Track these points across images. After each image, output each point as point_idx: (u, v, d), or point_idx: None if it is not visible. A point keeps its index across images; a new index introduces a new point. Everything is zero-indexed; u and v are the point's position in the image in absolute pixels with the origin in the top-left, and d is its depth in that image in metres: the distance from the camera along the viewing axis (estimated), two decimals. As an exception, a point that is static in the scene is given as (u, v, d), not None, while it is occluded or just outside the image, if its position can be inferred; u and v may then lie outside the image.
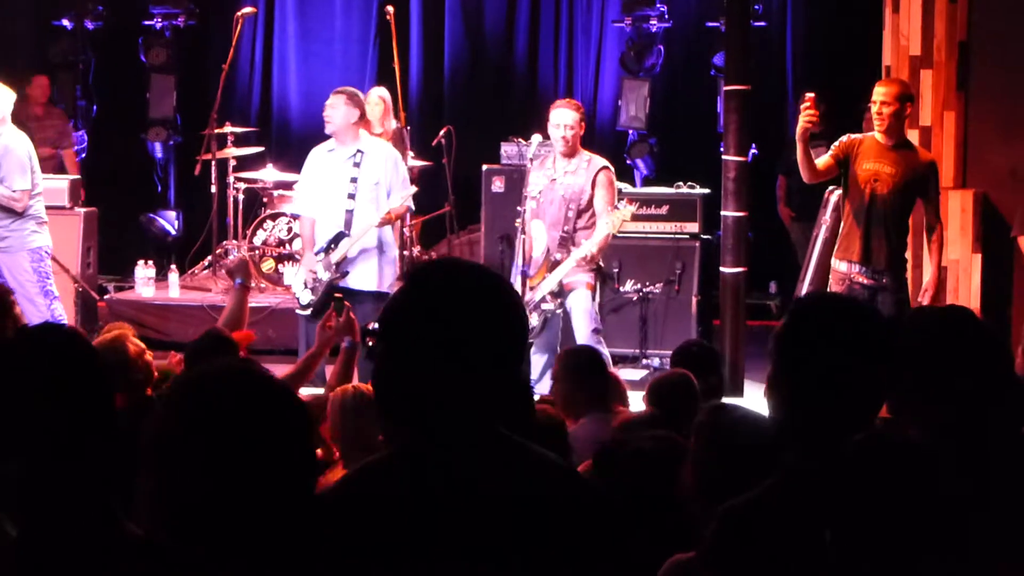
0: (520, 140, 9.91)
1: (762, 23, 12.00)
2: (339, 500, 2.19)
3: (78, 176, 11.55)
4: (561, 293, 7.80)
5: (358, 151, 8.04)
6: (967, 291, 8.37)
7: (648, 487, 3.49)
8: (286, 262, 10.42)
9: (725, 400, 6.22)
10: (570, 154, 7.87)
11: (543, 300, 7.75)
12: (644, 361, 9.46)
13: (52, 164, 11.55)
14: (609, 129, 12.41)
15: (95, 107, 12.94)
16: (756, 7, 11.63)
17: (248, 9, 11.28)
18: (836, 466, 2.38)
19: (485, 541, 2.11)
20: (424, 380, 2.16)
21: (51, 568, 2.22)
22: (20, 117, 11.12)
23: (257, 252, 10.55)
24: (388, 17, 10.99)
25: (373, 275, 8.03)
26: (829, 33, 12.02)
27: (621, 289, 9.53)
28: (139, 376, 4.76)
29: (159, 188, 13.02)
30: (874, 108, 7.09)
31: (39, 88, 11.67)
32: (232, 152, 10.89)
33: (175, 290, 10.62)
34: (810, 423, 2.55)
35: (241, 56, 12.76)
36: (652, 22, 12.12)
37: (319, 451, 5.20)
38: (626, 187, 9.79)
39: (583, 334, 7.71)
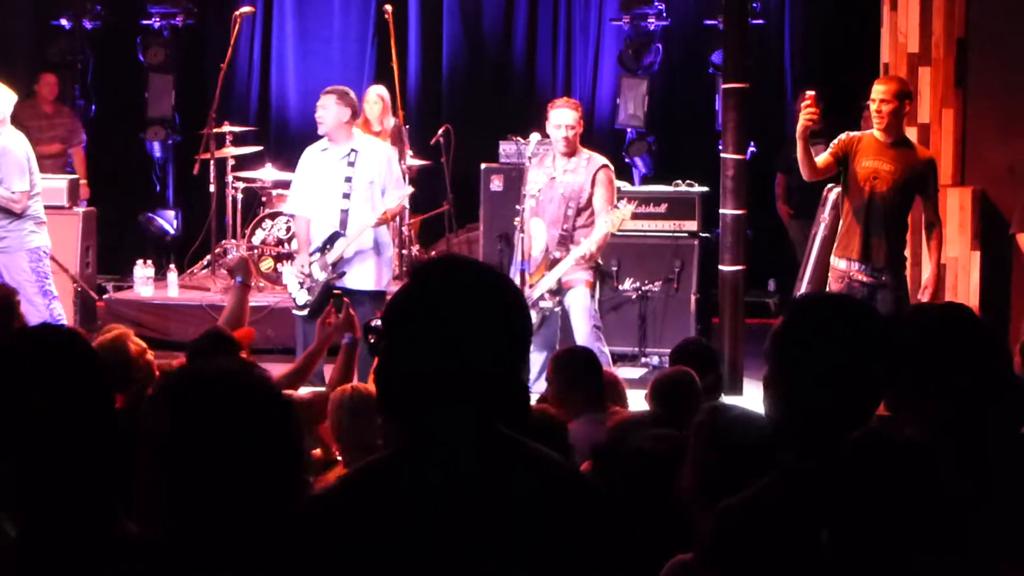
0: (519, 139, 9.92)
1: (760, 21, 12.01)
2: (339, 499, 2.19)
3: (82, 177, 11.59)
4: (560, 291, 7.81)
5: (352, 150, 8.03)
6: (966, 288, 8.37)
7: (648, 487, 3.49)
8: (285, 261, 10.41)
9: (724, 399, 6.24)
10: (570, 153, 7.87)
11: (541, 298, 7.76)
12: (643, 360, 9.46)
13: (61, 161, 11.58)
14: (607, 127, 12.41)
15: (93, 107, 12.94)
16: (754, 5, 11.63)
17: (246, 8, 11.28)
18: (833, 465, 2.38)
19: (485, 540, 2.11)
20: (426, 378, 2.16)
21: (51, 568, 2.22)
22: (29, 114, 11.24)
23: (256, 251, 10.55)
24: (387, 16, 10.99)
25: (371, 275, 8.03)
26: (827, 31, 12.02)
27: (620, 287, 9.53)
28: (140, 375, 4.76)
29: (158, 187, 13.01)
30: (873, 106, 7.09)
31: (47, 86, 11.67)
32: (231, 151, 10.89)
33: (174, 289, 10.61)
34: (808, 422, 2.55)
35: (239, 55, 12.75)
36: (650, 20, 12.12)
37: (318, 451, 5.21)
38: (625, 185, 9.79)
39: (583, 332, 7.72)
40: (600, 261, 7.99)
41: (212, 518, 2.06)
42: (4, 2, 12.26)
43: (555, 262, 7.77)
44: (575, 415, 5.03)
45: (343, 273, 7.97)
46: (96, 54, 12.99)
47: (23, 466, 2.31)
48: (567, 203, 7.83)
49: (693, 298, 9.53)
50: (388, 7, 10.97)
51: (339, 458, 4.94)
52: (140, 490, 2.12)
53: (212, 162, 10.82)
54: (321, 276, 7.99)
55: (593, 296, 7.88)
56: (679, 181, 9.92)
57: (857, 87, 9.20)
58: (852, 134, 7.24)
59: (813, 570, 2.38)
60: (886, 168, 7.07)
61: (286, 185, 10.29)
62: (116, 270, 11.76)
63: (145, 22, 12.66)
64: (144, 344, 5.01)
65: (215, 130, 10.79)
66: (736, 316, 8.43)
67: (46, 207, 8.75)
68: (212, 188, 10.89)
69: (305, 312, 8.06)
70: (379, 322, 2.26)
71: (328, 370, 6.40)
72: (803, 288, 8.96)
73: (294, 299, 8.14)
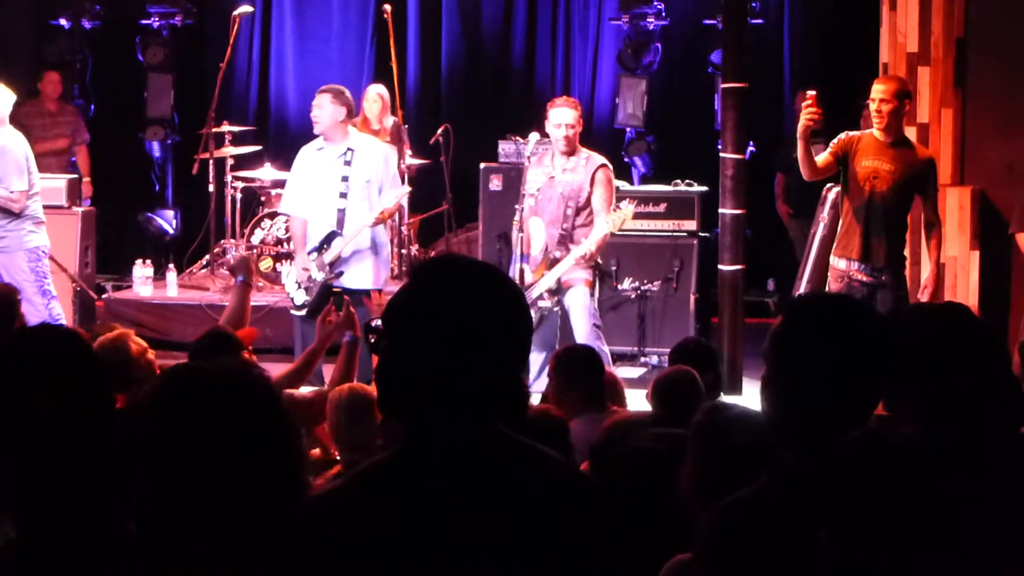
0: (518, 138, 9.92)
1: (759, 20, 12.01)
2: (339, 500, 2.18)
3: (85, 175, 11.62)
4: (559, 290, 7.82)
5: (348, 149, 8.02)
6: (965, 288, 8.38)
7: (647, 486, 3.49)
8: (284, 261, 10.41)
9: (723, 398, 6.23)
10: (569, 152, 7.88)
11: (541, 297, 7.76)
12: (642, 359, 9.46)
13: (65, 159, 11.59)
14: (607, 127, 12.41)
15: (92, 106, 12.93)
16: (753, 4, 11.64)
17: (245, 8, 11.27)
18: (832, 465, 2.38)
19: (485, 540, 2.11)
20: (426, 378, 2.16)
21: (51, 568, 2.22)
22: (34, 112, 11.27)
23: (255, 251, 10.55)
24: (385, 15, 10.99)
25: (368, 274, 8.02)
26: (826, 30, 12.02)
27: (619, 287, 9.53)
28: (141, 375, 4.76)
29: (157, 187, 13.01)
30: (872, 105, 7.09)
31: (51, 84, 11.68)
32: (230, 151, 10.89)
33: (173, 289, 10.61)
34: (806, 422, 2.55)
35: (239, 55, 12.75)
36: (649, 20, 12.12)
37: (317, 451, 5.20)
38: (624, 185, 9.79)
39: (583, 330, 7.72)
40: (599, 260, 8.00)
41: (210, 518, 2.06)
42: (3, 2, 12.26)
43: (555, 261, 7.77)
44: (575, 414, 5.03)
45: (341, 273, 7.96)
46: (95, 54, 12.99)
47: (23, 466, 2.31)
48: (566, 202, 7.83)
49: (692, 298, 9.53)
50: (387, 6, 10.96)
51: (338, 458, 4.93)
52: (139, 489, 2.12)
53: (211, 162, 10.81)
54: (319, 276, 7.98)
55: (592, 295, 7.88)
56: (678, 181, 9.92)
57: (856, 87, 9.20)
58: (851, 134, 7.24)
59: (811, 570, 2.38)
60: (886, 168, 7.07)
61: (285, 184, 10.29)
62: (115, 270, 11.76)
63: (144, 22, 12.66)
64: (145, 344, 5.01)
65: (214, 130, 10.79)
66: (735, 316, 8.43)
67: (45, 207, 8.75)
68: (211, 188, 10.88)
69: (303, 312, 8.05)
70: (379, 322, 2.26)
71: (327, 370, 6.40)
72: (802, 288, 8.95)
73: (292, 299, 8.14)
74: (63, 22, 12.69)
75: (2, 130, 8.37)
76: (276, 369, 5.90)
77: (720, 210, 8.41)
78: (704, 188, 9.68)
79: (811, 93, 6.97)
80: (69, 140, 11.61)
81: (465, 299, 2.17)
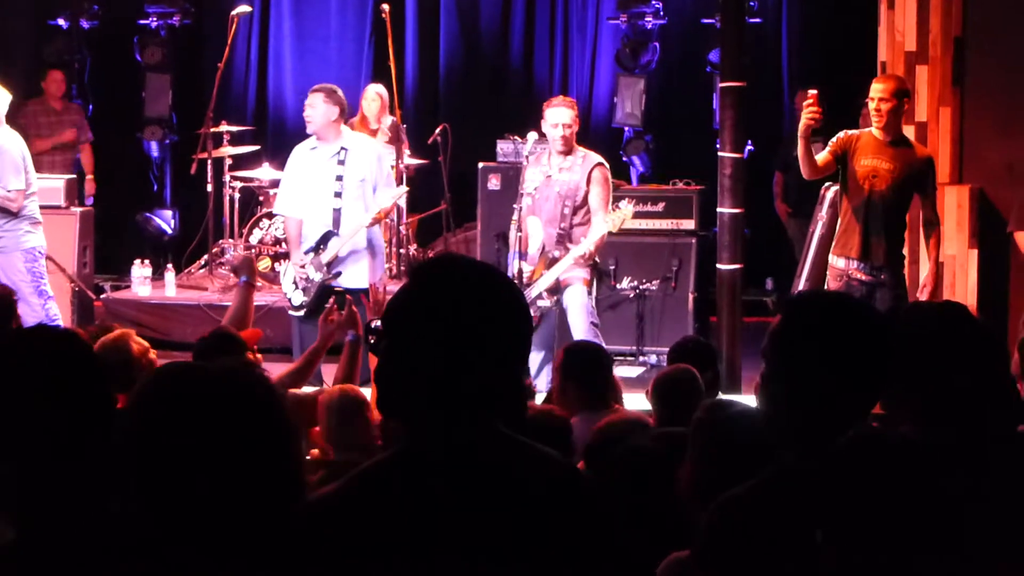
0: (516, 137, 9.91)
1: (757, 19, 12.01)
2: (339, 500, 2.18)
3: (89, 172, 11.64)
4: (557, 290, 7.82)
5: (342, 148, 8.01)
6: (963, 287, 8.38)
7: (644, 486, 3.49)
8: (282, 261, 10.40)
9: (722, 397, 6.22)
10: (566, 152, 7.88)
11: (539, 297, 7.76)
12: (641, 358, 9.46)
13: (70, 157, 11.60)
14: (605, 126, 12.41)
15: (91, 106, 12.92)
16: (752, 4, 11.64)
17: (244, 8, 11.27)
18: (830, 464, 2.38)
19: (485, 540, 2.11)
20: (426, 378, 2.16)
21: (50, 569, 2.21)
22: (38, 111, 11.30)
23: (253, 251, 10.54)
24: (384, 15, 10.97)
25: (364, 274, 8.02)
26: (825, 29, 12.02)
27: (618, 286, 9.53)
28: (142, 375, 4.75)
29: (155, 187, 13.00)
30: (871, 104, 7.10)
31: (54, 83, 11.69)
32: (228, 151, 10.89)
33: (171, 289, 10.61)
34: (805, 420, 2.54)
35: (237, 55, 12.74)
36: (647, 19, 12.11)
37: (316, 451, 5.20)
38: (622, 184, 9.79)
39: (580, 329, 7.72)
40: (598, 260, 8.00)
41: (208, 518, 2.06)
42: (2, 2, 12.25)
43: (553, 261, 7.77)
44: (579, 411, 5.01)
45: (339, 273, 7.96)
46: (93, 54, 12.98)
47: (22, 467, 2.30)
48: (563, 201, 7.84)
49: (691, 297, 9.52)
50: (385, 6, 10.95)
51: (333, 459, 4.92)
52: (133, 489, 2.11)
53: (209, 161, 10.81)
54: (316, 276, 7.97)
55: (590, 294, 7.88)
56: (676, 180, 9.91)
57: (855, 86, 9.19)
58: (850, 132, 7.24)
59: (808, 569, 2.38)
60: (885, 167, 7.08)
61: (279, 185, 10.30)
62: (114, 270, 11.75)
63: (142, 22, 12.65)
64: (147, 344, 5.01)
65: (212, 129, 10.79)
66: (734, 315, 8.41)
67: (44, 207, 8.74)
68: (209, 187, 10.89)
69: (301, 313, 8.04)
70: (378, 322, 2.26)
71: (326, 370, 6.40)
72: (801, 286, 8.95)
73: (289, 299, 8.13)
74: (61, 22, 12.69)
75: (0, 130, 8.37)
76: (277, 369, 5.90)
77: (718, 209, 8.39)
78: (702, 187, 9.68)
79: (812, 92, 6.97)
80: (76, 132, 11.62)
81: (464, 299, 2.17)
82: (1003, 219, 8.22)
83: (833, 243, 7.38)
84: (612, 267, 9.45)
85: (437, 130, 11.08)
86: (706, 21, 11.88)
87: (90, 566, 2.19)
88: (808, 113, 6.89)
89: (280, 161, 10.79)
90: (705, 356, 5.90)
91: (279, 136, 12.70)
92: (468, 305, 2.17)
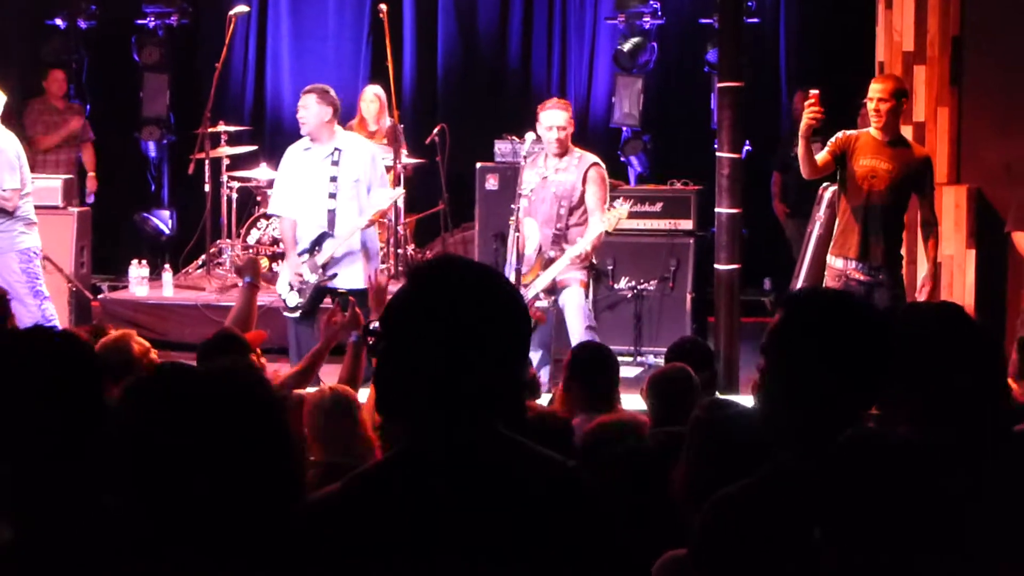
0: (514, 138, 9.91)
1: (755, 19, 12.00)
2: (340, 500, 2.19)
3: (91, 170, 11.64)
4: (554, 290, 7.82)
5: (336, 149, 8.01)
6: (961, 287, 8.38)
7: (637, 486, 3.49)
8: (280, 261, 10.40)
9: (720, 397, 6.22)
10: (562, 153, 7.89)
11: (536, 297, 7.76)
12: (639, 359, 9.46)
13: (74, 154, 11.60)
14: (603, 126, 12.40)
15: (88, 106, 12.91)
16: (749, 3, 11.63)
17: (241, 8, 11.26)
18: (827, 463, 2.38)
19: (485, 540, 2.11)
20: (425, 379, 2.16)
21: (48, 569, 2.21)
22: (41, 109, 11.31)
23: (251, 251, 10.54)
24: (381, 15, 10.97)
25: (359, 275, 8.01)
26: (823, 29, 12.02)
27: (615, 286, 9.53)
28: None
29: (153, 187, 12.99)
30: (870, 105, 7.10)
31: (55, 82, 11.71)
32: (226, 151, 10.88)
33: (169, 289, 10.60)
34: (804, 419, 2.54)
35: (234, 55, 12.73)
36: (645, 19, 12.10)
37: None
38: (620, 184, 9.79)
39: (577, 331, 7.73)
40: (595, 260, 8.00)
41: (206, 518, 2.05)
42: (-1, 2, 12.26)
43: (549, 261, 7.78)
44: (582, 411, 5.00)
45: (334, 275, 7.95)
46: (91, 53, 12.97)
47: (21, 467, 2.30)
48: (559, 202, 7.84)
49: (689, 297, 9.52)
50: (383, 6, 10.95)
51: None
52: (129, 488, 2.11)
53: (207, 161, 10.81)
54: (312, 278, 7.97)
55: (587, 296, 7.89)
56: (674, 180, 9.91)
57: (853, 86, 9.19)
58: (849, 133, 7.25)
59: (805, 568, 2.38)
60: (884, 167, 7.08)
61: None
62: (111, 270, 11.74)
63: (140, 21, 12.64)
64: (148, 344, 5.01)
65: (210, 129, 10.79)
66: (732, 315, 8.41)
67: (41, 207, 8.74)
68: (207, 188, 10.88)
69: (297, 314, 8.03)
70: (376, 324, 2.26)
71: (329, 370, 6.39)
72: (798, 287, 8.95)
73: (284, 301, 8.11)
74: (59, 22, 12.68)
75: (-6, 130, 8.37)
76: (281, 369, 5.89)
77: (716, 209, 8.39)
78: (700, 187, 9.67)
79: (814, 92, 6.98)
80: (82, 122, 11.63)
81: (463, 299, 2.18)
82: (1001, 219, 8.22)
83: (831, 243, 7.38)
84: (610, 267, 9.45)
85: (435, 130, 11.07)
86: (704, 21, 11.87)
87: (88, 566, 2.18)
88: (810, 113, 6.90)
89: (277, 161, 10.77)
90: (703, 357, 5.90)
91: (277, 136, 12.68)
92: (467, 305, 2.17)
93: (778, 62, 12.46)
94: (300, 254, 8.03)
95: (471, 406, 2.17)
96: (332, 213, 7.98)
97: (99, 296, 10.67)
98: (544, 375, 7.80)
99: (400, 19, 12.56)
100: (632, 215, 8.42)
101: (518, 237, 7.82)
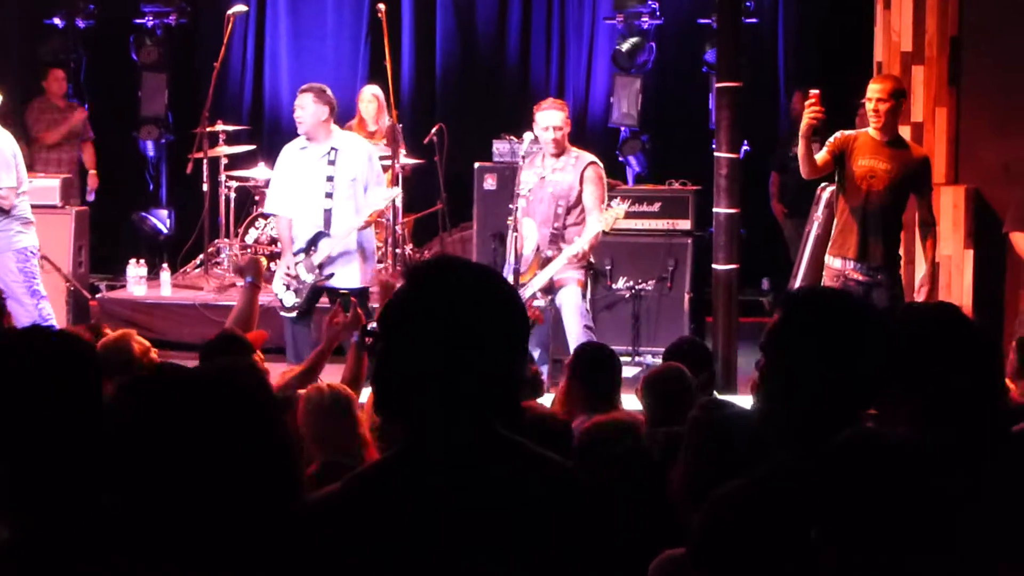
0: (512, 138, 9.91)
1: (754, 20, 12.00)
2: (339, 500, 2.19)
3: (91, 168, 11.64)
4: (551, 290, 7.82)
5: (332, 148, 8.00)
6: (959, 287, 8.37)
7: (644, 486, 3.49)
8: (278, 260, 10.39)
9: (718, 397, 6.22)
10: (559, 153, 7.89)
11: (533, 296, 7.76)
12: (637, 359, 9.45)
13: (75, 153, 11.61)
14: (601, 126, 12.40)
15: (87, 105, 12.91)
16: (748, 4, 11.63)
17: (240, 7, 11.26)
18: (826, 463, 2.38)
19: (484, 540, 2.12)
20: (423, 379, 2.16)
21: (45, 569, 2.21)
22: (42, 108, 11.31)
23: (249, 250, 10.54)
24: (380, 15, 10.96)
25: (355, 273, 8.01)
26: (821, 29, 12.02)
27: (613, 286, 9.52)
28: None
29: (151, 186, 12.99)
30: (869, 105, 7.10)
31: (56, 81, 11.72)
32: (224, 150, 10.88)
33: (167, 289, 10.59)
34: (803, 418, 2.54)
35: (233, 54, 12.73)
36: (644, 19, 12.10)
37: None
38: (618, 184, 9.79)
39: (574, 331, 7.73)
40: (593, 260, 8.00)
41: (204, 518, 2.05)
42: (-3, 1, 12.26)
43: (547, 261, 7.78)
44: (584, 411, 5.00)
45: (331, 275, 7.94)
46: (89, 53, 12.97)
47: (18, 467, 2.30)
48: (556, 202, 7.85)
49: (687, 297, 9.52)
50: (381, 5, 10.94)
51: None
52: (131, 488, 2.11)
53: (205, 161, 10.80)
54: (308, 278, 7.96)
55: (585, 295, 7.89)
56: (673, 180, 9.91)
57: (851, 86, 9.20)
58: (847, 133, 7.25)
59: (803, 568, 2.37)
60: (883, 167, 7.08)
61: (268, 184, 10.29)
62: (109, 269, 11.73)
63: (138, 21, 12.64)
64: (148, 343, 5.01)
65: (208, 129, 10.78)
66: (730, 315, 8.42)
67: (39, 206, 8.73)
68: (205, 187, 10.86)
69: (293, 314, 8.03)
70: (374, 325, 2.26)
71: (332, 369, 6.38)
72: (796, 287, 8.95)
73: (281, 300, 8.10)
74: (57, 21, 12.67)
75: (-11, 128, 8.37)
76: (278, 370, 5.88)
77: (714, 209, 8.40)
78: (698, 187, 9.67)
79: (814, 92, 6.98)
80: (85, 115, 11.63)
81: (461, 300, 2.18)
82: (999, 219, 8.22)
83: (829, 243, 7.38)
84: (608, 267, 9.45)
85: (433, 130, 11.06)
86: (702, 21, 11.88)
87: (86, 566, 2.18)
88: (810, 113, 6.89)
89: (275, 160, 10.80)
90: (701, 357, 5.90)
91: (275, 135, 12.67)
92: (465, 306, 2.17)
93: (776, 62, 12.47)
94: (296, 253, 8.02)
95: (469, 406, 2.17)
96: (328, 212, 7.98)
97: (97, 296, 10.66)
98: (543, 374, 7.79)
99: (399, 19, 12.55)
100: (630, 215, 8.42)
101: (516, 237, 7.82)
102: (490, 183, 9.97)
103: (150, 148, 12.75)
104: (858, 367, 2.53)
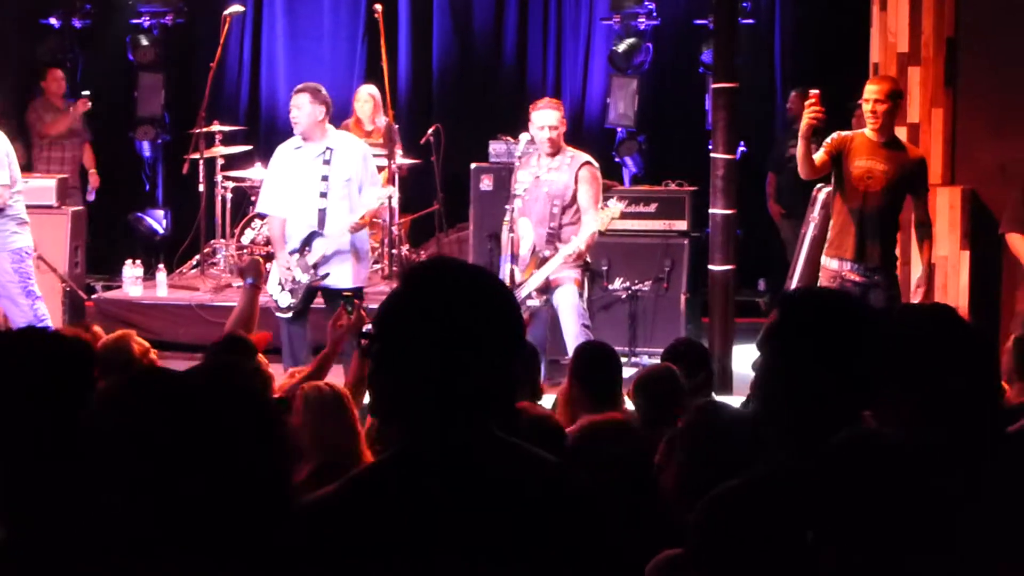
0: (508, 138, 9.91)
1: (751, 21, 12.02)
2: (337, 501, 2.19)
3: (91, 167, 11.65)
4: (548, 289, 7.82)
5: (327, 148, 7.99)
6: (955, 288, 8.38)
7: (642, 486, 3.49)
8: (273, 261, 10.39)
9: (714, 398, 6.22)
10: (554, 152, 7.90)
11: (529, 296, 7.76)
12: (633, 359, 9.45)
13: (78, 155, 11.60)
14: (598, 127, 12.41)
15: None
16: (744, 4, 11.64)
17: (237, 7, 11.26)
18: (823, 463, 2.38)
19: (482, 541, 2.12)
20: (419, 380, 2.16)
21: (41, 569, 2.21)
22: (42, 107, 11.31)
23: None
24: (376, 15, 10.97)
25: (349, 273, 8.00)
26: (818, 30, 12.03)
27: (610, 287, 9.52)
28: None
29: (147, 187, 12.99)
30: (866, 106, 7.10)
31: (55, 81, 11.71)
32: (220, 151, 10.88)
33: (163, 289, 10.58)
34: (799, 418, 2.54)
35: (229, 54, 12.73)
36: (640, 20, 12.12)
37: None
38: (615, 185, 9.79)
39: (571, 330, 7.72)
40: (589, 260, 8.00)
41: (202, 518, 2.05)
42: (-7, 1, 12.25)
43: (543, 260, 7.78)
44: (587, 411, 4.99)
45: (326, 275, 7.93)
46: (85, 53, 12.97)
47: (13, 467, 2.30)
48: (552, 201, 7.85)
49: (683, 298, 9.52)
50: (378, 6, 10.94)
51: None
52: (128, 488, 2.11)
53: (201, 161, 10.80)
54: (303, 278, 7.95)
55: (581, 295, 7.89)
56: (669, 181, 9.92)
57: (848, 87, 9.20)
58: (844, 134, 7.25)
59: (800, 568, 2.38)
60: (880, 168, 7.08)
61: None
62: (105, 270, 11.73)
63: (135, 21, 12.64)
64: (147, 344, 5.01)
65: (205, 129, 10.78)
66: (726, 315, 8.43)
67: (35, 206, 8.72)
68: (201, 187, 10.87)
69: (289, 315, 8.02)
70: (370, 326, 2.26)
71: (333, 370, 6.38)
72: (793, 287, 8.95)
73: (276, 301, 8.09)
74: (53, 21, 12.67)
75: (-17, 128, 8.36)
76: (278, 370, 5.88)
77: (711, 210, 8.41)
78: (695, 188, 9.68)
79: (814, 92, 6.98)
80: (87, 106, 11.64)
81: (457, 301, 2.18)
82: (995, 220, 8.23)
83: (826, 244, 7.38)
84: (604, 268, 9.44)
85: (430, 130, 11.07)
86: (699, 22, 11.89)
87: (83, 566, 2.18)
88: (810, 113, 6.89)
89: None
90: (698, 358, 5.90)
91: (271, 136, 12.65)
92: (461, 307, 2.17)
93: (773, 63, 12.48)
94: (290, 254, 8.02)
95: (466, 407, 2.17)
96: (323, 212, 7.97)
97: (93, 296, 10.66)
98: (541, 375, 7.78)
99: (395, 19, 12.56)
100: (626, 216, 8.42)
101: (512, 237, 7.82)
102: (486, 184, 9.97)
103: (146, 148, 12.74)
104: (856, 367, 2.53)
